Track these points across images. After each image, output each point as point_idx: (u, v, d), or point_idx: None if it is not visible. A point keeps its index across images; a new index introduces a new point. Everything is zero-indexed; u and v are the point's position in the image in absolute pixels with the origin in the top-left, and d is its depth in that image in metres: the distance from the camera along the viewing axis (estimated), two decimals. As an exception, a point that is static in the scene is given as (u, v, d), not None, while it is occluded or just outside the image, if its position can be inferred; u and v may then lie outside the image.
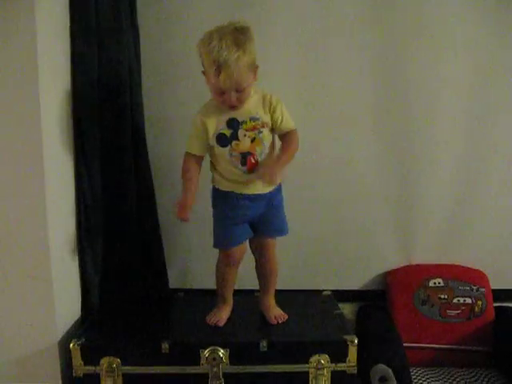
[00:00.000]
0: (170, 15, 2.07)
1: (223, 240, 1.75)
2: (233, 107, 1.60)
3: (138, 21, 2.00)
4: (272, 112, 1.65)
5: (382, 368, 1.74)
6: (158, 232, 2.05)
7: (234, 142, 1.63)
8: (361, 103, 2.16)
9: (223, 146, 1.64)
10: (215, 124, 1.64)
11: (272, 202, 1.74)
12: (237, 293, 1.90)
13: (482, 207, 2.24)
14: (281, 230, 1.79)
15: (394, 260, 2.27)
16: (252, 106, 1.64)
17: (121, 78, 1.87)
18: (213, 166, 1.74)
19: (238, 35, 1.51)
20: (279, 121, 1.66)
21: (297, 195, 2.02)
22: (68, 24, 1.70)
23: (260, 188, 1.69)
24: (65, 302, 1.70)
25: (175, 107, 2.12)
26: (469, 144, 2.19)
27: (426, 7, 2.09)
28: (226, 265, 1.79)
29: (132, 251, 1.99)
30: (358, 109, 2.16)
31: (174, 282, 2.17)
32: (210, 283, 2.10)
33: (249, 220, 1.74)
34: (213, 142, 1.65)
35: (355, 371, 1.64)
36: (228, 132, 1.63)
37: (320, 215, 2.20)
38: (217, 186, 1.74)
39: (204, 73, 1.60)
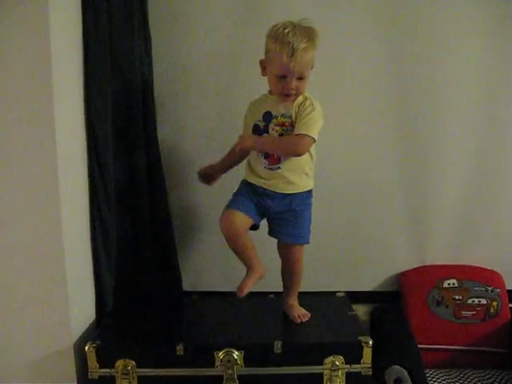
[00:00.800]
0: (181, 12, 2.09)
1: (229, 203, 1.77)
2: (289, 95, 1.66)
3: (150, 23, 2.02)
4: (300, 110, 1.69)
5: (397, 369, 1.73)
6: (171, 235, 2.06)
7: (264, 135, 1.71)
8: (372, 108, 2.17)
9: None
10: (255, 115, 1.75)
11: (292, 206, 1.75)
12: (251, 295, 1.90)
13: (495, 207, 2.23)
14: (296, 236, 1.78)
15: (407, 261, 2.26)
16: (290, 104, 1.69)
17: (132, 80, 1.90)
18: (248, 160, 1.82)
19: (310, 30, 1.63)
20: (299, 119, 1.68)
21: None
22: (81, 33, 1.71)
23: (278, 187, 1.72)
24: (80, 304, 1.71)
25: (187, 109, 2.14)
26: (482, 144, 2.18)
27: (438, 9, 2.09)
28: (224, 229, 1.74)
29: (146, 254, 2.01)
30: (370, 111, 2.17)
31: (187, 284, 2.18)
32: (223, 286, 2.11)
33: (263, 211, 1.76)
34: (250, 131, 1.75)
35: (370, 373, 1.63)
36: (262, 124, 1.72)
37: (333, 217, 2.21)
38: (245, 178, 1.81)
39: (263, 61, 1.69)
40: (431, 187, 2.21)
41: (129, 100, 1.90)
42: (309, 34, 1.61)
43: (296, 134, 1.66)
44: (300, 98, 1.70)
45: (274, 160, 1.71)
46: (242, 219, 1.73)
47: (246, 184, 1.79)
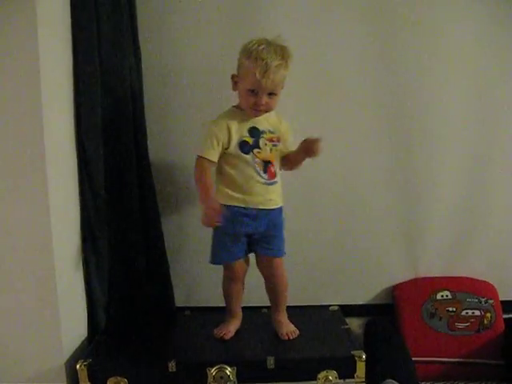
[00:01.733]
0: (171, 29, 2.09)
1: (220, 256, 1.78)
2: (259, 111, 1.69)
3: (139, 37, 2.02)
4: (284, 131, 1.78)
5: (391, 383, 1.72)
6: (163, 250, 2.05)
7: (255, 150, 1.70)
8: (364, 117, 2.16)
9: (246, 153, 1.69)
10: (238, 131, 1.70)
11: (274, 220, 1.76)
12: (243, 309, 1.89)
13: (487, 219, 2.24)
14: (279, 250, 1.80)
15: (400, 273, 2.26)
16: (271, 120, 1.75)
17: (122, 94, 1.90)
18: (220, 180, 1.75)
19: (284, 49, 1.65)
20: (288, 141, 1.78)
21: (302, 210, 2.02)
22: (70, 47, 1.71)
23: (273, 202, 1.74)
24: (71, 322, 1.69)
25: (177, 122, 2.14)
26: (474, 156, 2.19)
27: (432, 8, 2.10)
28: (229, 280, 1.81)
29: (138, 270, 1.99)
30: (362, 123, 2.17)
31: (180, 300, 2.17)
32: (215, 301, 2.09)
33: (249, 236, 1.76)
34: (235, 148, 1.69)
35: (364, 387, 1.63)
36: (250, 140, 1.71)
37: (326, 230, 2.20)
38: (220, 202, 1.71)
39: (235, 76, 1.71)
40: (423, 199, 2.22)
41: (119, 114, 1.89)
42: (282, 53, 1.64)
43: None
44: (277, 117, 1.78)
45: (272, 175, 1.72)
46: (243, 267, 1.82)
47: (221, 227, 1.69)
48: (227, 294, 1.84)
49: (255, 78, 1.61)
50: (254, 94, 1.65)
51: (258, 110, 1.68)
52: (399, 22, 2.11)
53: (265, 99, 1.65)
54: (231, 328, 1.81)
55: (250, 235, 1.75)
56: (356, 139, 2.17)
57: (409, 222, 2.23)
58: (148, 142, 2.03)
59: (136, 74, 1.98)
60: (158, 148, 2.10)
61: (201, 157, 1.69)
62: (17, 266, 1.57)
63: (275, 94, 1.67)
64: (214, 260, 1.79)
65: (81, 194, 1.77)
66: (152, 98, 2.08)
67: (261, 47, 1.62)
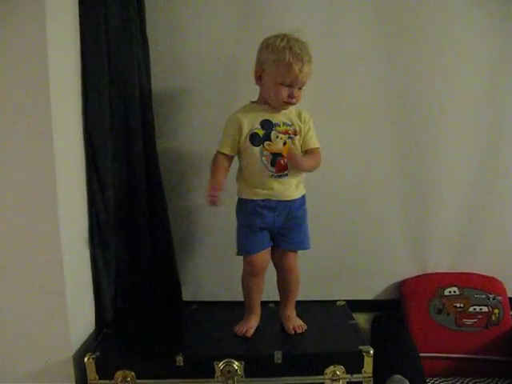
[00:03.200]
0: (179, 23, 2.08)
1: (244, 247, 1.78)
2: (289, 103, 1.72)
3: (147, 30, 2.02)
4: (304, 124, 1.78)
5: (398, 378, 1.72)
6: (170, 244, 2.05)
7: (266, 143, 1.71)
8: (372, 116, 2.16)
9: (256, 145, 1.71)
10: (250, 124, 1.72)
11: (293, 213, 1.76)
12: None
13: (496, 214, 2.23)
14: (300, 243, 1.80)
15: (408, 269, 2.25)
16: (287, 113, 1.76)
17: (131, 90, 1.90)
18: (240, 174, 1.79)
19: (307, 45, 1.71)
20: (308, 135, 1.78)
21: (311, 207, 2.01)
22: (79, 43, 1.71)
23: (285, 194, 1.74)
24: (79, 315, 1.70)
25: (185, 117, 2.13)
26: (482, 151, 2.18)
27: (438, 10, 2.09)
28: (250, 274, 1.80)
29: (145, 263, 2.00)
30: (370, 122, 2.16)
31: (187, 294, 2.17)
32: (223, 295, 2.11)
33: (268, 228, 1.77)
34: (246, 141, 1.72)
35: (371, 382, 1.63)
36: (261, 132, 1.72)
37: (333, 226, 2.19)
38: (239, 196, 1.79)
39: (259, 71, 1.72)
40: (431, 195, 2.21)
41: (127, 108, 1.89)
42: (308, 48, 1.70)
43: (313, 149, 1.78)
44: (295, 110, 1.78)
45: (281, 167, 1.72)
46: (264, 260, 1.80)
47: (244, 206, 1.78)
48: (248, 290, 1.82)
49: (292, 72, 1.65)
50: (286, 88, 1.69)
51: (291, 102, 1.71)
52: (408, 23, 2.10)
53: (296, 92, 1.70)
54: (253, 324, 1.80)
55: (271, 228, 1.76)
56: (365, 137, 2.16)
57: (416, 217, 2.22)
58: (156, 137, 2.03)
59: (144, 67, 1.98)
60: (166, 142, 2.10)
61: (217, 151, 1.75)
62: (24, 260, 1.57)
63: (302, 88, 1.72)
64: (240, 251, 1.80)
65: (89, 189, 1.77)
66: (160, 91, 2.08)
67: (291, 42, 1.66)
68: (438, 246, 2.24)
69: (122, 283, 1.96)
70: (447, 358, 2.12)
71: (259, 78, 1.74)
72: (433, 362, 2.09)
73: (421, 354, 1.96)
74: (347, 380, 1.62)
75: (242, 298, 1.89)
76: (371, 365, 1.62)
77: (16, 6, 1.44)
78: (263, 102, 1.76)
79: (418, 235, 2.24)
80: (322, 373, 1.61)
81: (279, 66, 1.67)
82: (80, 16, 1.70)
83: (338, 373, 1.61)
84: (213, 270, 2.19)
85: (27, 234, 1.56)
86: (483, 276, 2.21)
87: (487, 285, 2.18)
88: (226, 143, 1.74)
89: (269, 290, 1.86)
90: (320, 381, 1.61)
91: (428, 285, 2.19)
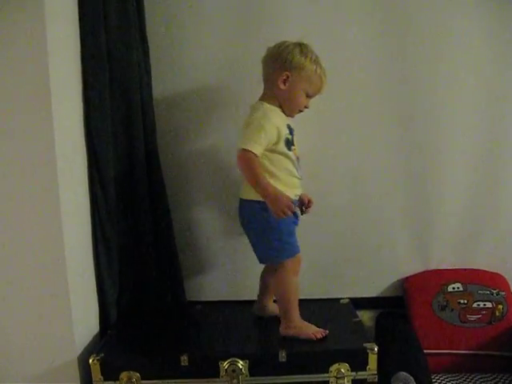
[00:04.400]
0: (178, 24, 2.08)
1: (291, 248, 1.74)
2: (300, 112, 1.81)
3: (147, 34, 2.02)
4: None
5: (403, 375, 1.72)
6: (174, 244, 2.06)
7: (292, 147, 1.76)
8: (374, 111, 2.15)
9: (289, 150, 1.74)
10: (283, 128, 1.73)
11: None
12: (254, 302, 1.90)
13: (499, 210, 2.22)
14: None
15: (411, 266, 2.25)
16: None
17: (132, 93, 1.90)
18: (269, 176, 1.69)
19: None
20: None
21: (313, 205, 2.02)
22: (79, 44, 1.72)
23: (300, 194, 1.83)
24: (83, 317, 1.70)
25: (186, 118, 2.13)
26: (485, 148, 2.18)
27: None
28: (295, 274, 1.78)
29: (149, 264, 2.00)
30: (372, 116, 2.16)
31: (191, 294, 2.17)
32: (226, 295, 2.11)
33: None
34: (282, 145, 1.71)
35: (376, 379, 1.63)
36: (289, 137, 1.75)
37: (336, 223, 2.19)
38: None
39: (289, 75, 1.71)
40: (434, 191, 2.20)
41: (127, 108, 1.90)
42: None
43: None
44: None
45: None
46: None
47: (287, 219, 1.69)
48: (296, 290, 1.77)
49: (321, 86, 1.75)
50: (307, 97, 1.76)
51: (302, 111, 1.79)
52: (408, 16, 2.09)
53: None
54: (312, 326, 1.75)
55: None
56: (366, 134, 2.16)
57: (419, 214, 2.22)
58: (157, 136, 2.04)
59: (144, 67, 1.98)
60: (167, 141, 2.11)
61: (247, 150, 1.64)
62: (28, 262, 1.58)
63: None
64: (288, 253, 1.73)
65: (91, 190, 1.78)
66: (160, 91, 2.08)
67: (315, 55, 1.73)
68: (441, 242, 2.24)
69: (126, 284, 1.96)
70: (452, 355, 2.12)
71: (283, 82, 1.72)
72: (437, 359, 2.09)
73: (425, 351, 1.96)
74: (352, 377, 1.62)
75: (245, 298, 1.90)
76: (376, 362, 1.62)
77: (16, 7, 1.45)
78: (278, 105, 1.76)
79: (421, 232, 2.23)
80: (326, 371, 1.61)
81: (312, 78, 1.72)
82: (79, 16, 1.70)
83: (342, 370, 1.61)
84: (216, 269, 2.20)
85: (30, 236, 1.56)
86: (487, 272, 2.21)
87: (491, 280, 2.18)
88: (261, 144, 1.65)
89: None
90: (325, 379, 1.61)
91: (431, 281, 2.19)
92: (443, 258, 2.25)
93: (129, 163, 1.92)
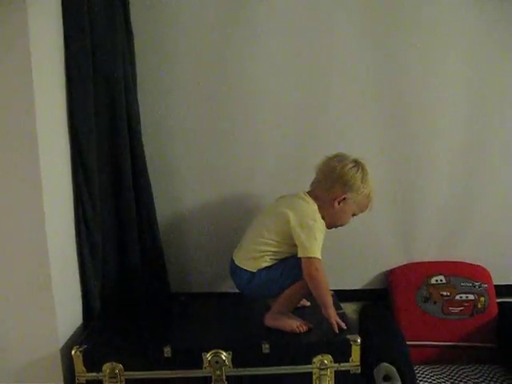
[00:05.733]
0: (163, 19, 2.07)
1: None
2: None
3: (132, 26, 2.00)
4: None
5: (385, 367, 1.74)
6: (157, 236, 2.05)
7: None
8: (359, 103, 2.16)
9: None
10: None
11: None
12: (238, 294, 1.90)
13: (482, 204, 2.25)
14: None
15: (395, 258, 2.27)
16: None
17: (115, 81, 1.87)
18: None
19: None
20: None
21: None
22: (62, 39, 1.69)
23: None
24: (66, 309, 1.69)
25: (171, 113, 2.13)
26: (468, 142, 2.20)
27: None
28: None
29: (132, 256, 1.99)
30: (356, 108, 2.16)
31: (175, 286, 2.16)
32: (210, 287, 2.10)
33: None
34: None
35: (359, 371, 1.63)
36: None
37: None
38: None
39: (347, 197, 1.78)
40: (418, 185, 2.22)
41: (112, 101, 1.87)
42: None
43: None
44: None
45: None
46: None
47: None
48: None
49: (367, 205, 1.83)
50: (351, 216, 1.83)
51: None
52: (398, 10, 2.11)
53: None
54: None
55: None
56: (352, 123, 2.17)
57: (403, 207, 2.23)
58: (142, 130, 2.02)
59: (129, 57, 1.96)
60: (151, 132, 2.10)
61: (313, 257, 1.67)
62: (10, 254, 1.56)
63: None
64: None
65: (74, 181, 1.76)
66: (145, 81, 2.07)
67: (369, 175, 1.80)
68: (425, 235, 2.26)
69: (110, 276, 1.95)
70: (434, 346, 2.14)
71: (339, 202, 1.78)
72: (420, 350, 2.12)
73: (408, 343, 1.98)
74: (335, 369, 1.62)
75: (229, 290, 1.92)
76: (359, 354, 1.62)
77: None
78: (319, 206, 1.79)
79: (405, 225, 2.25)
80: (309, 362, 1.61)
81: (364, 202, 1.81)
82: (63, 6, 1.67)
83: (325, 362, 1.61)
84: (200, 261, 2.20)
85: (13, 228, 1.54)
86: (469, 264, 2.24)
87: (473, 273, 2.20)
88: (318, 246, 1.70)
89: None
90: (308, 370, 1.62)
91: (415, 274, 2.21)
92: (427, 251, 2.27)
93: (112, 154, 1.90)
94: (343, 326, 1.68)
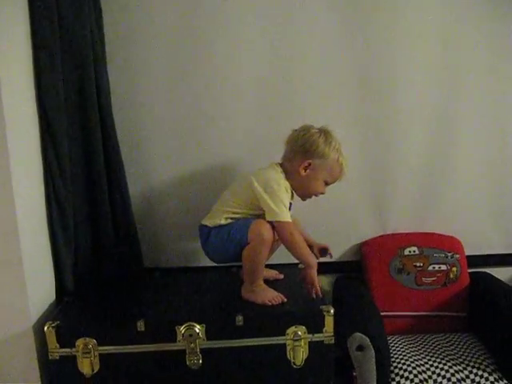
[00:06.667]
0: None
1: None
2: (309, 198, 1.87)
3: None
4: None
5: (359, 336, 1.75)
6: (130, 211, 2.04)
7: (290, 212, 1.75)
8: (334, 81, 2.17)
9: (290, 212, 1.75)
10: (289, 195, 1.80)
11: None
12: (213, 269, 1.90)
13: (454, 175, 2.27)
14: None
15: (368, 230, 2.29)
16: None
17: (84, 57, 1.84)
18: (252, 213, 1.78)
19: None
20: None
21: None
22: (27, 12, 1.64)
23: None
24: (38, 285, 1.67)
25: (142, 88, 2.11)
26: (440, 114, 2.22)
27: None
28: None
29: (105, 231, 1.97)
30: (331, 85, 2.17)
31: (148, 261, 2.16)
32: (183, 261, 2.10)
33: None
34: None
35: (332, 341, 1.65)
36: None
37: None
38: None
39: (312, 164, 1.77)
40: (391, 157, 2.24)
41: (80, 73, 1.83)
42: None
43: None
44: None
45: None
46: None
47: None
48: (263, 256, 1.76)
49: (339, 172, 1.81)
50: (325, 185, 1.82)
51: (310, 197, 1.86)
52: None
53: None
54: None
55: None
56: (326, 101, 2.17)
57: (376, 179, 2.25)
58: (112, 102, 2.00)
59: (98, 34, 1.92)
60: (122, 109, 2.08)
61: (284, 222, 1.69)
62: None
63: None
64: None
65: (44, 156, 1.72)
66: (114, 56, 2.04)
67: (338, 142, 1.80)
68: (398, 207, 2.28)
69: (82, 252, 1.92)
70: (408, 316, 2.18)
71: (304, 169, 1.78)
72: (393, 321, 2.15)
73: (382, 313, 2.01)
74: (309, 340, 1.63)
75: (203, 264, 1.91)
76: (332, 324, 1.63)
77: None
78: (288, 177, 1.80)
79: (378, 197, 2.27)
80: (283, 333, 1.62)
81: (333, 166, 1.79)
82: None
83: (299, 333, 1.62)
84: (174, 236, 2.19)
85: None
86: (442, 235, 2.27)
87: (445, 244, 2.23)
88: (286, 207, 1.72)
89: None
90: (282, 341, 1.63)
91: (388, 245, 2.24)
92: (400, 223, 2.29)
93: (82, 127, 1.87)
94: (319, 294, 1.71)
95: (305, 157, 1.77)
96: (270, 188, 1.71)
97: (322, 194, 1.85)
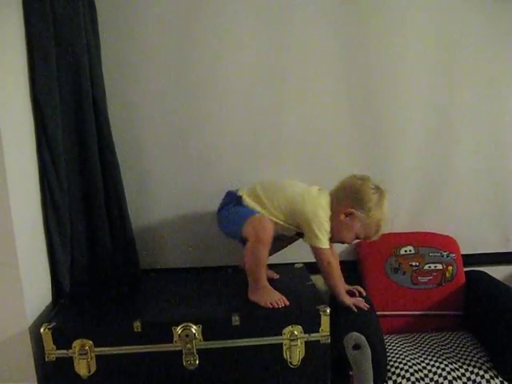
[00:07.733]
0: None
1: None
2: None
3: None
4: None
5: (355, 336, 1.75)
6: (126, 212, 2.03)
7: None
8: (330, 77, 2.17)
9: None
10: None
11: None
12: (209, 269, 1.90)
13: (450, 175, 2.28)
14: None
15: (365, 230, 2.28)
16: None
17: (79, 53, 1.83)
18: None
19: None
20: None
21: (270, 163, 2.03)
22: (22, 11, 1.65)
23: None
24: (34, 287, 1.67)
25: (137, 86, 2.11)
26: (438, 112, 2.22)
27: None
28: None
29: (100, 233, 1.97)
30: (326, 81, 2.17)
31: (144, 262, 2.16)
32: (180, 263, 2.10)
33: None
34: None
35: (329, 341, 1.65)
36: None
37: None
38: None
39: (355, 213, 1.79)
40: (388, 155, 2.24)
41: (75, 69, 1.83)
42: None
43: None
44: None
45: None
46: None
47: None
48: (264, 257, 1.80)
49: (374, 232, 1.82)
50: (355, 238, 1.84)
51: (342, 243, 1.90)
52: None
53: None
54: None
55: None
56: (322, 99, 2.18)
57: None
58: (106, 98, 1.99)
59: (91, 30, 1.92)
60: (117, 104, 2.07)
61: (323, 248, 1.80)
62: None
63: None
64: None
65: (39, 156, 1.72)
66: (109, 50, 2.04)
67: (387, 209, 1.81)
68: (394, 206, 2.25)
69: (79, 253, 1.93)
70: (403, 316, 2.18)
71: (345, 215, 1.80)
72: (390, 320, 2.15)
73: (378, 313, 2.00)
74: (305, 339, 1.64)
75: (200, 265, 1.90)
76: (328, 323, 1.64)
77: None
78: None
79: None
80: (280, 333, 1.63)
81: (372, 227, 1.81)
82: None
83: (295, 333, 1.63)
84: (171, 237, 2.19)
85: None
86: (438, 235, 2.27)
87: (441, 243, 2.24)
88: (328, 237, 1.81)
89: (227, 255, 1.86)
90: (278, 341, 1.63)
91: (384, 244, 2.23)
92: (396, 222, 2.28)
93: (78, 128, 1.87)
94: (363, 306, 1.83)
95: (351, 204, 1.79)
96: (317, 217, 1.78)
97: (348, 244, 1.91)
